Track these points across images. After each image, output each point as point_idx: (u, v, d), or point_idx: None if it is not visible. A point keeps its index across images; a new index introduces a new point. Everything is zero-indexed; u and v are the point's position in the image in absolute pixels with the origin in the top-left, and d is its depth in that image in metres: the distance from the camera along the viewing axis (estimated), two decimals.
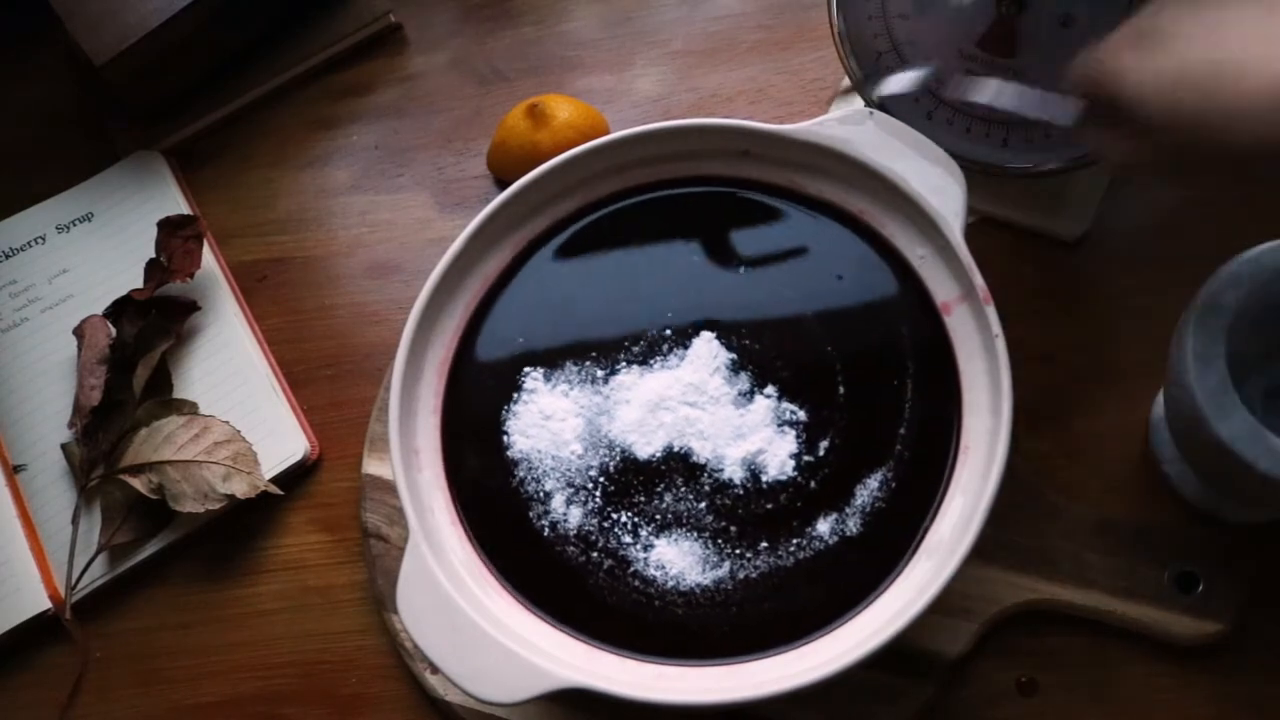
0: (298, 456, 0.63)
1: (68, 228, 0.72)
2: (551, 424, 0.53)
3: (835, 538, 0.49)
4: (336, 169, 0.74)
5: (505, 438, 0.53)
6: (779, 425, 0.52)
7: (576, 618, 0.49)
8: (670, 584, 0.49)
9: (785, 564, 0.49)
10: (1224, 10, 0.39)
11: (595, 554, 0.50)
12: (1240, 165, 0.39)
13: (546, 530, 0.51)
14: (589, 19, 0.76)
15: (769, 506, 0.50)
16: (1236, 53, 0.38)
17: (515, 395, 0.54)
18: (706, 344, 0.54)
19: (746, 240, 0.56)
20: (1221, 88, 0.38)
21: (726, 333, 0.54)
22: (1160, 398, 0.54)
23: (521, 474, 0.52)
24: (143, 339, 0.65)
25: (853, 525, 0.49)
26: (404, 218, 0.71)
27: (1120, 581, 0.52)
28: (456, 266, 0.56)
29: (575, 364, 0.54)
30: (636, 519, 0.51)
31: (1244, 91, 0.37)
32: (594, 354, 0.55)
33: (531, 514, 0.52)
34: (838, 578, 0.49)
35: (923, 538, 0.49)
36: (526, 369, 0.55)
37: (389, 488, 0.60)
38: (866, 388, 0.52)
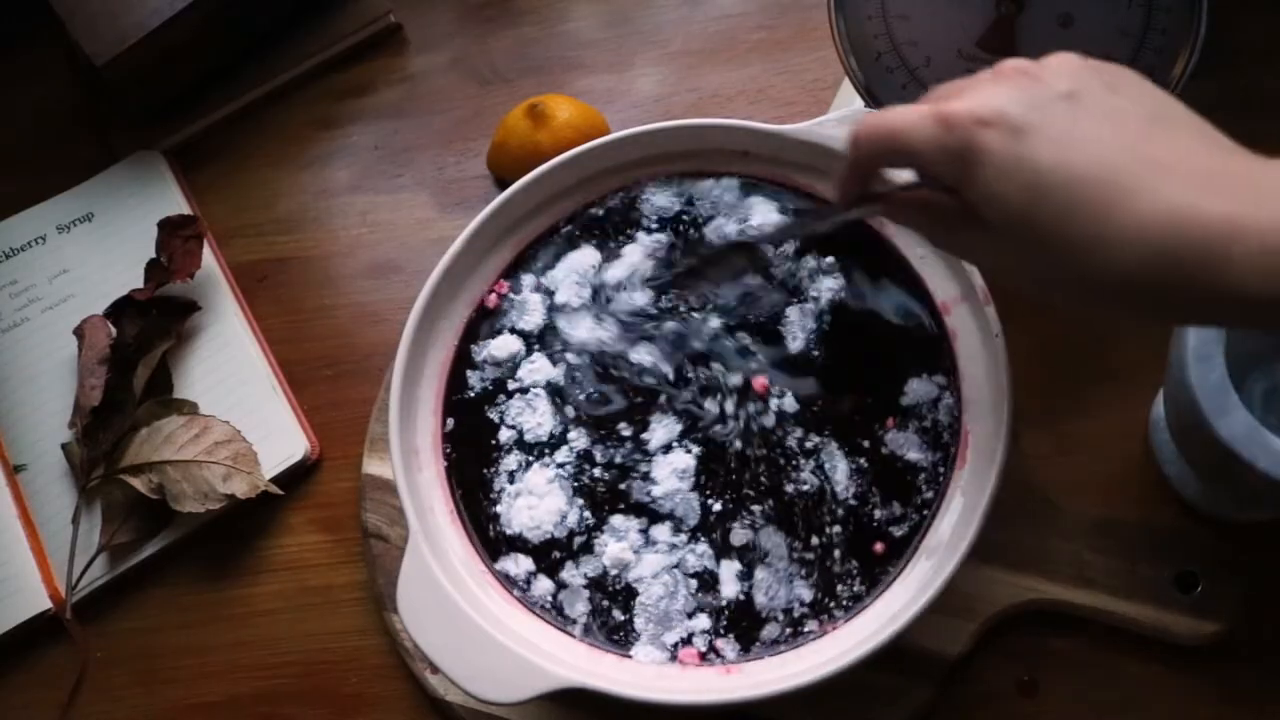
0: (298, 456, 0.63)
1: (68, 228, 0.72)
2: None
3: (836, 538, 0.49)
4: (336, 169, 0.74)
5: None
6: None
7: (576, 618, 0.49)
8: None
9: (786, 564, 0.49)
10: (1106, 117, 0.35)
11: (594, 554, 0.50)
12: (1093, 292, 0.35)
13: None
14: (589, 19, 0.76)
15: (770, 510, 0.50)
16: (1121, 168, 0.33)
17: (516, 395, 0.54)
18: None
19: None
20: (1098, 205, 0.33)
21: (725, 332, 0.54)
22: (1160, 398, 0.54)
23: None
24: (143, 339, 0.65)
25: (853, 525, 0.49)
26: (404, 218, 0.71)
27: (1120, 581, 0.52)
28: (456, 266, 0.56)
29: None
30: (638, 516, 0.51)
31: (1125, 216, 0.33)
32: None
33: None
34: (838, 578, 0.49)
35: (923, 538, 0.49)
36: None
37: (389, 488, 0.60)
38: (866, 387, 0.52)
